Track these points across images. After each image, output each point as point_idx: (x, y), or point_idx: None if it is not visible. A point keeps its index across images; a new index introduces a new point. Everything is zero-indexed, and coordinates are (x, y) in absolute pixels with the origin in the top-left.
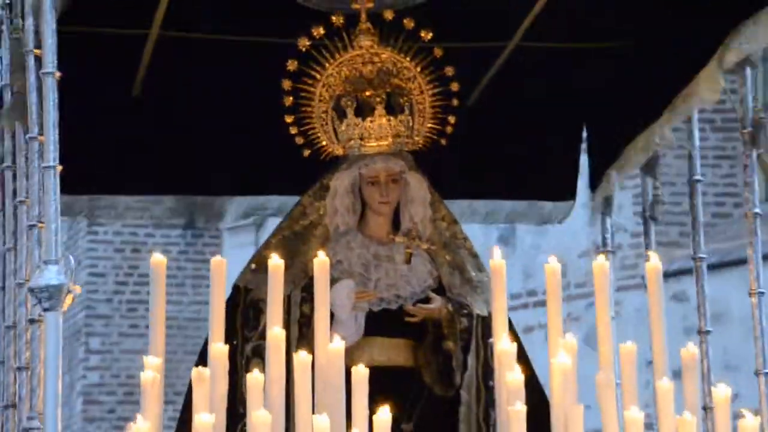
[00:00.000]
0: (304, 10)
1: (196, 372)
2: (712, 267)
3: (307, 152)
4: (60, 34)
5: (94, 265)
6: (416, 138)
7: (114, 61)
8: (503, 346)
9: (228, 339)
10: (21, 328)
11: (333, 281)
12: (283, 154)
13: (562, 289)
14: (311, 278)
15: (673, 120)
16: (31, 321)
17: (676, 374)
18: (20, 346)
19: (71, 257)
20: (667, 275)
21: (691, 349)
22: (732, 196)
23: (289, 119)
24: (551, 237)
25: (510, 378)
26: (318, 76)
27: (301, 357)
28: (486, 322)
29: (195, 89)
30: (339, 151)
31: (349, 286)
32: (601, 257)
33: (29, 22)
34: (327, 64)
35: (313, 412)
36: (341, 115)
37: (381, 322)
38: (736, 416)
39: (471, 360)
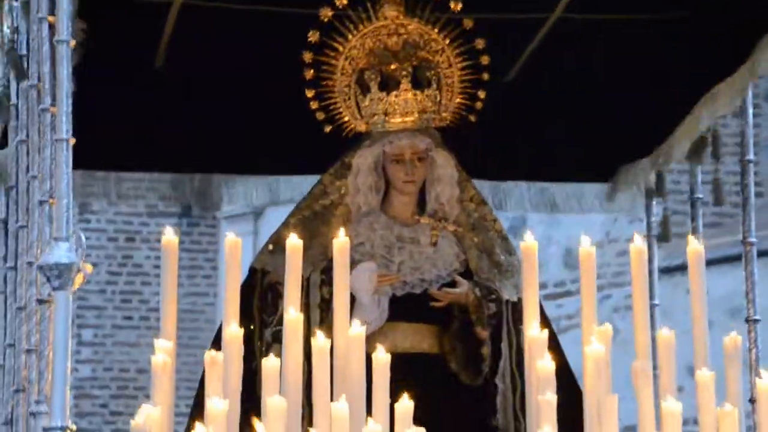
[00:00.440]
0: None
1: (209, 356)
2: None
3: (328, 128)
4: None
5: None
6: (444, 114)
7: (135, 31)
8: (533, 333)
9: (245, 323)
10: (31, 309)
11: (354, 264)
12: (303, 131)
13: (573, 282)
14: (331, 260)
15: (730, 97)
16: (40, 301)
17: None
18: (30, 328)
19: (83, 234)
20: (686, 268)
21: (734, 338)
22: (757, 185)
23: (309, 93)
24: (563, 227)
25: (540, 366)
26: (341, 49)
27: (320, 342)
28: (517, 308)
29: (215, 61)
30: (362, 128)
31: (371, 268)
32: (638, 239)
33: None
34: (350, 36)
35: (332, 400)
36: (365, 89)
37: (404, 307)
38: None
39: (504, 347)
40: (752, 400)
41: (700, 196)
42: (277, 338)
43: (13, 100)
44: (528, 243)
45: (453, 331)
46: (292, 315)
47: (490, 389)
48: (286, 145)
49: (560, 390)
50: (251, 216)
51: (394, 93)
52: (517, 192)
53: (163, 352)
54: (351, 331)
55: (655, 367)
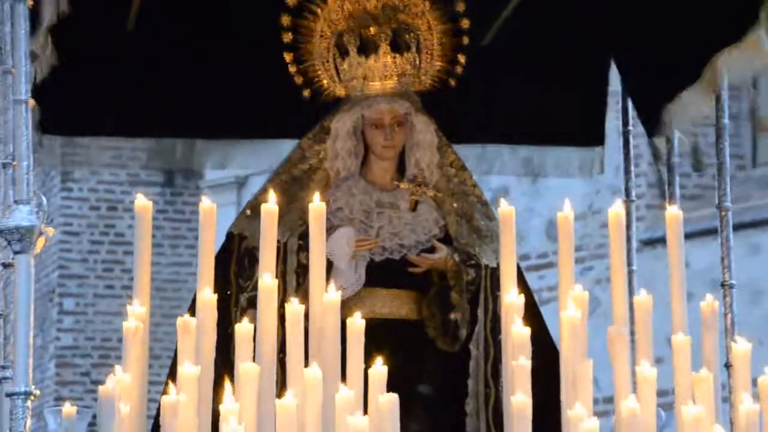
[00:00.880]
0: None
1: (182, 321)
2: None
3: (306, 92)
4: None
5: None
6: (423, 78)
7: None
8: (510, 298)
9: (222, 288)
10: None
11: (333, 229)
12: (280, 95)
13: (555, 254)
14: (308, 225)
15: (741, 51)
16: (4, 265)
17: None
18: None
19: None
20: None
21: (711, 303)
22: (736, 158)
23: (287, 57)
24: (545, 199)
25: (515, 331)
26: (319, 12)
27: (293, 307)
28: (495, 274)
29: (188, 26)
30: (340, 92)
31: (349, 233)
32: (617, 205)
33: None
34: None
35: (307, 365)
36: (343, 53)
37: (383, 273)
38: None
39: (480, 313)
40: (728, 365)
41: (677, 159)
42: (253, 303)
43: None
44: (505, 209)
45: (431, 296)
46: (267, 281)
47: (465, 355)
48: (266, 108)
49: (538, 356)
50: (234, 185)
51: (373, 57)
52: (500, 161)
53: (135, 317)
54: (326, 296)
55: (632, 333)
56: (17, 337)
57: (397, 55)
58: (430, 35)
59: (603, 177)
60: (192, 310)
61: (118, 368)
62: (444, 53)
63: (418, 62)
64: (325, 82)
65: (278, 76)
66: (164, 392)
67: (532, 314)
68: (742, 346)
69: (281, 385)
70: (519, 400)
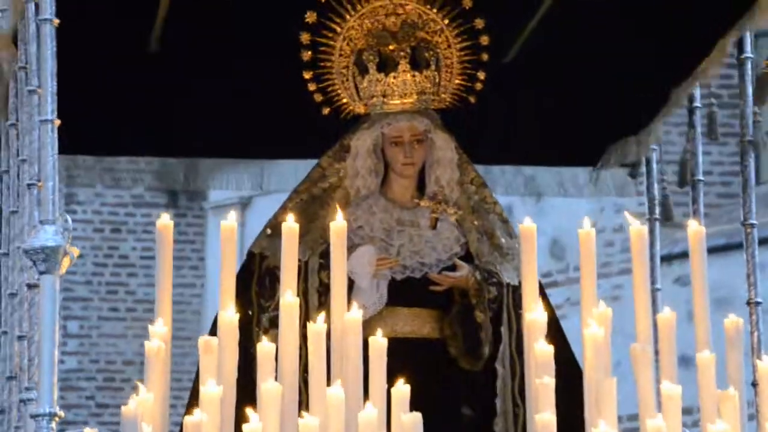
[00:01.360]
0: None
1: (204, 341)
2: (717, 249)
3: (326, 110)
4: None
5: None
6: (443, 95)
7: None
8: (533, 315)
9: (243, 308)
10: (22, 295)
11: (354, 248)
12: (296, 115)
13: (559, 272)
14: (329, 244)
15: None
16: (29, 286)
17: (683, 360)
18: (21, 314)
19: (69, 217)
20: (672, 257)
21: (735, 321)
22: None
23: (307, 75)
24: (549, 218)
25: (538, 349)
26: (338, 29)
27: (316, 326)
28: (517, 292)
29: (209, 45)
30: (360, 110)
31: (370, 252)
32: (636, 221)
33: None
34: (348, 16)
35: (329, 385)
36: (363, 70)
37: (404, 291)
38: None
39: (504, 332)
40: (754, 384)
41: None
42: (275, 323)
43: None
44: (527, 225)
45: (453, 315)
46: (289, 299)
47: (490, 374)
48: (270, 129)
49: (562, 374)
50: (238, 206)
51: (393, 74)
52: (504, 179)
53: (157, 337)
54: (348, 315)
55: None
56: (42, 357)
57: (417, 73)
58: (449, 52)
59: (607, 196)
60: (213, 330)
61: (141, 387)
62: (464, 70)
63: (437, 79)
64: (344, 99)
65: (283, 96)
66: (187, 412)
67: (555, 331)
68: (767, 364)
69: (304, 406)
70: (544, 418)
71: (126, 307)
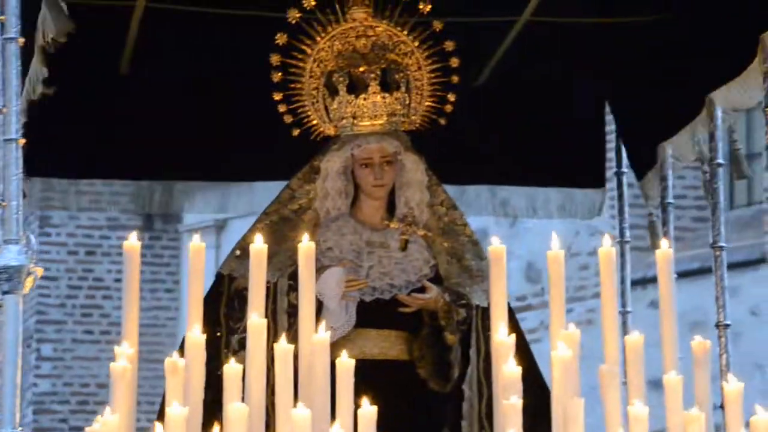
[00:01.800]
0: None
1: (170, 362)
2: (690, 274)
3: (296, 131)
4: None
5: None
6: (413, 117)
7: (99, 36)
8: (500, 337)
9: (212, 330)
10: None
11: (323, 269)
12: (268, 136)
13: (534, 296)
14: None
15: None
16: None
17: (656, 384)
18: None
19: (33, 237)
20: (646, 281)
21: (703, 342)
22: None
23: (277, 96)
24: (524, 242)
25: (506, 370)
26: (309, 51)
27: (282, 346)
28: (487, 314)
29: (181, 66)
30: (330, 131)
31: (339, 273)
32: (606, 241)
33: None
34: (318, 38)
35: (296, 406)
36: (333, 92)
37: (373, 313)
38: None
39: (472, 354)
40: (722, 406)
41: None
42: (244, 345)
43: None
44: (496, 247)
45: (422, 337)
46: (256, 320)
47: (458, 396)
48: (245, 152)
49: (530, 395)
50: (213, 229)
51: (363, 96)
52: (478, 202)
53: (123, 358)
54: (315, 336)
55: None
56: (5, 379)
57: (387, 95)
58: (419, 74)
59: (580, 219)
60: (182, 350)
61: (107, 409)
62: (434, 92)
63: (407, 101)
64: (315, 121)
65: (257, 119)
66: None
67: (523, 353)
68: (733, 386)
69: (273, 428)
70: None
71: (100, 330)
